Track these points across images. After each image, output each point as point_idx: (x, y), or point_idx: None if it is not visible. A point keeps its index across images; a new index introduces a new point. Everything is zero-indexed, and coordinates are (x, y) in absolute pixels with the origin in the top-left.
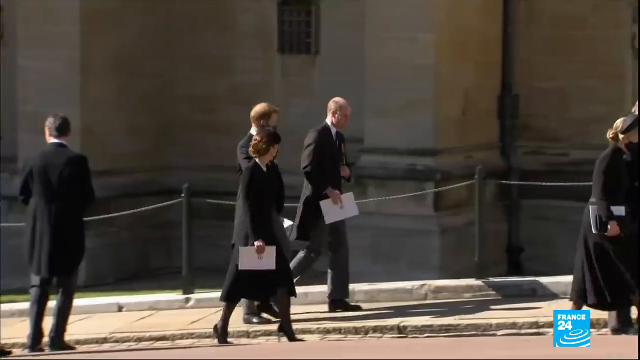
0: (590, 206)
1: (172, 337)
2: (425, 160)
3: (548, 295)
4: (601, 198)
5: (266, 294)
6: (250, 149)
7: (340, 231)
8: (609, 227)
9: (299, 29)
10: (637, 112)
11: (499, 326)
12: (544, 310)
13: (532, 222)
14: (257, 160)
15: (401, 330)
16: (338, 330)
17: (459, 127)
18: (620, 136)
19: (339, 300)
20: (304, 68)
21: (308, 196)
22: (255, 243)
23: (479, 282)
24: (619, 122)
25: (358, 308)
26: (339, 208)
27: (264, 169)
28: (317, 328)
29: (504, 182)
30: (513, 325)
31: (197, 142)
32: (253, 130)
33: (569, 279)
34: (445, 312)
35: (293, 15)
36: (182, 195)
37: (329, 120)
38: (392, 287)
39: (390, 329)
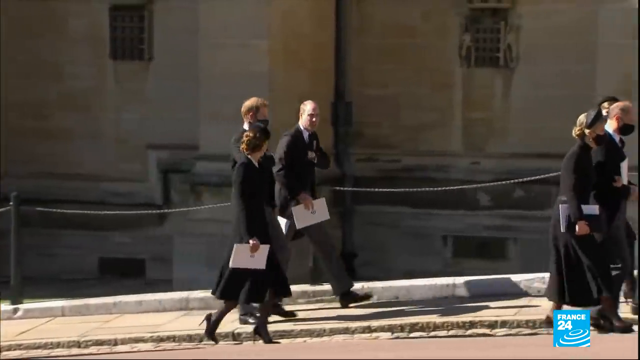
0: (560, 205)
1: None
2: None
3: (381, 300)
4: (572, 198)
5: (260, 296)
6: (243, 145)
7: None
8: (577, 227)
9: (132, 34)
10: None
11: (333, 331)
12: (376, 316)
13: (365, 228)
14: (249, 156)
15: (236, 337)
16: (172, 339)
17: None
18: (587, 131)
19: (347, 293)
20: (137, 74)
21: (283, 200)
22: (250, 241)
23: (313, 288)
24: (582, 118)
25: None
26: (310, 213)
27: (256, 165)
28: (151, 336)
29: (338, 188)
30: (346, 330)
31: (28, 148)
32: (246, 126)
33: (402, 283)
34: (280, 318)
35: (125, 21)
36: (11, 203)
37: (300, 123)
38: None
39: (225, 336)
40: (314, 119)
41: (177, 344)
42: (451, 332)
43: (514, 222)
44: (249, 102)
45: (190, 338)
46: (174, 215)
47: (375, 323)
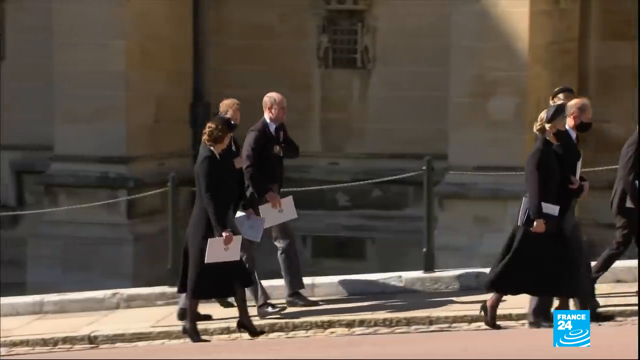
0: (524, 199)
1: None
2: (117, 168)
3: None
4: (535, 195)
5: (228, 292)
6: (205, 136)
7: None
8: (535, 223)
9: None
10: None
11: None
12: (235, 316)
13: None
14: (211, 148)
15: (92, 340)
16: (26, 343)
17: (151, 134)
18: (547, 126)
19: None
20: None
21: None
22: (224, 233)
23: (172, 290)
24: (542, 114)
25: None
26: (277, 212)
27: (218, 157)
28: (4, 341)
29: (195, 189)
30: (205, 331)
31: None
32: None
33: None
34: (138, 320)
35: None
36: None
37: (266, 116)
38: (83, 297)
39: (81, 339)
40: (282, 110)
41: (30, 348)
42: (310, 332)
43: (371, 222)
44: (228, 102)
45: (44, 342)
46: (28, 217)
47: (234, 324)
